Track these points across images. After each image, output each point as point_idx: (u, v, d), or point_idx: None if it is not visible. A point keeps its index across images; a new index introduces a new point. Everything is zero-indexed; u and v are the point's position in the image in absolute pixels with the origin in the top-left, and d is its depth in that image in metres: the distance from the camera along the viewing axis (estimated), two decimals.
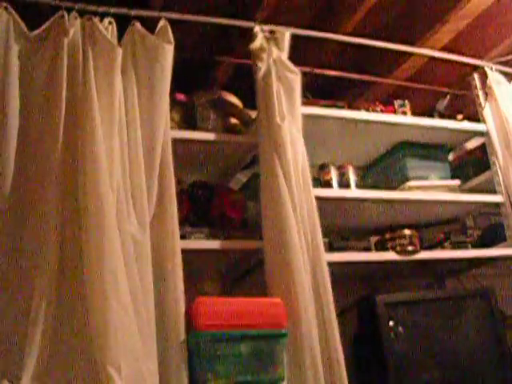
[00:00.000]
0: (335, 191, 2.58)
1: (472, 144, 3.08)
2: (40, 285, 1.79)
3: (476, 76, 3.04)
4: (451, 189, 2.84)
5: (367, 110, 2.78)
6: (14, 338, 1.76)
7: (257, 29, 2.48)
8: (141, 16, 2.26)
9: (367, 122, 2.69)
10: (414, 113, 2.89)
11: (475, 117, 2.98)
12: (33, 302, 1.77)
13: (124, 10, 2.25)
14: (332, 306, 2.15)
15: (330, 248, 2.46)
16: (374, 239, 2.66)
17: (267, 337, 1.99)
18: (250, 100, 2.51)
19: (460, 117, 2.98)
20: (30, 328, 1.74)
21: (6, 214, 1.88)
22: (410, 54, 2.99)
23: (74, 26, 2.10)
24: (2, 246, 1.85)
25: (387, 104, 2.88)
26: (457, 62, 3.02)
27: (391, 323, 2.41)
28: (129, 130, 2.06)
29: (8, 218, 1.88)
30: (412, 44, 2.93)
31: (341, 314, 2.28)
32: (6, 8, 2.06)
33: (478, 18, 2.81)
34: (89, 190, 1.86)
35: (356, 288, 2.82)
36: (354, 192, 2.62)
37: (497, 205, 2.82)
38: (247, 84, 2.47)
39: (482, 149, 2.97)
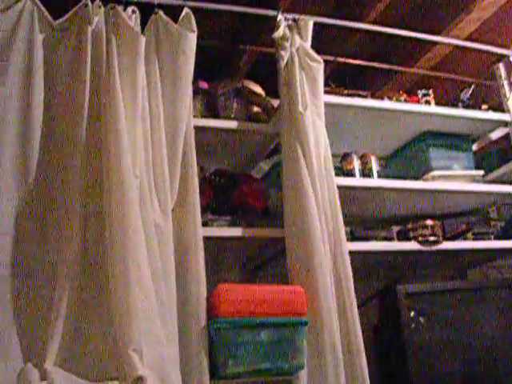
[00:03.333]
0: (357, 180, 2.57)
1: (496, 134, 3.05)
2: (63, 271, 1.81)
3: (501, 66, 3.01)
4: (474, 179, 2.82)
5: (391, 99, 2.77)
6: (37, 323, 1.78)
7: (280, 17, 2.47)
8: (164, 4, 2.26)
9: (390, 111, 2.68)
10: (438, 103, 2.87)
11: (500, 107, 2.95)
12: (56, 288, 1.79)
13: None
14: (353, 296, 2.15)
15: (352, 237, 2.46)
16: (396, 229, 2.65)
17: (288, 325, 2.00)
18: (272, 88, 2.51)
19: (484, 107, 2.95)
20: (53, 313, 1.76)
21: (32, 203, 1.90)
22: (434, 43, 2.96)
23: (98, 15, 2.11)
24: (28, 234, 1.87)
25: (411, 94, 2.86)
26: (481, 52, 2.99)
27: (412, 314, 2.41)
28: (152, 119, 2.07)
29: (33, 207, 1.90)
30: (436, 33, 2.90)
31: (362, 304, 2.28)
32: None
33: (503, 7, 2.78)
34: (112, 178, 1.87)
35: (377, 278, 2.82)
36: (376, 181, 2.61)
37: None
38: (270, 72, 2.47)
39: (507, 139, 2.94)
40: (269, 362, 1.94)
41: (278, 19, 2.47)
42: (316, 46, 2.48)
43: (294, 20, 2.50)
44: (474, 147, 3.06)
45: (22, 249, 1.84)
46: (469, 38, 2.96)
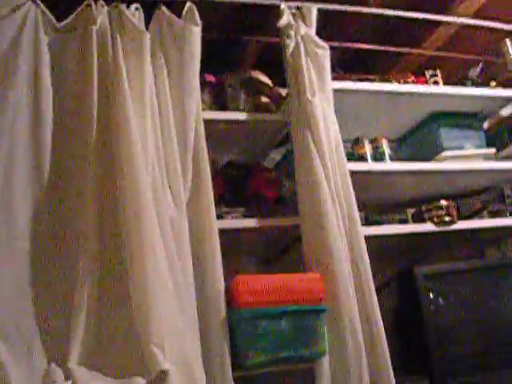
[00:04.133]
0: (370, 165, 2.56)
1: (507, 111, 3.02)
2: (82, 270, 1.83)
3: (508, 41, 2.97)
4: (487, 157, 2.80)
5: (399, 81, 2.76)
6: (59, 324, 1.80)
7: (283, 6, 2.47)
8: (167, 0, 2.27)
9: (399, 93, 2.66)
10: (447, 82, 2.85)
11: (509, 83, 2.93)
12: (76, 288, 1.81)
13: None
14: (371, 280, 2.16)
15: (366, 222, 2.46)
16: (410, 211, 2.65)
17: (307, 312, 2.01)
18: (280, 78, 2.50)
19: (493, 84, 2.93)
20: (74, 312, 1.78)
21: (48, 203, 1.92)
22: (440, 23, 2.94)
23: (102, 14, 2.11)
24: (44, 235, 1.89)
25: (419, 75, 2.85)
26: (488, 29, 2.96)
27: (431, 295, 2.41)
28: (161, 114, 2.08)
29: (48, 208, 1.92)
30: (441, 13, 2.88)
31: (380, 288, 2.28)
32: (33, 0, 2.08)
33: None
34: (125, 174, 1.89)
35: (395, 262, 2.81)
36: (388, 165, 2.60)
37: None
38: (277, 62, 2.46)
39: None
40: (290, 351, 1.95)
41: (281, 8, 2.46)
42: (321, 33, 2.48)
43: (298, 8, 2.50)
44: (485, 125, 3.03)
45: (39, 251, 1.86)
46: (474, 16, 2.93)
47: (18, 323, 1.75)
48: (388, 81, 2.75)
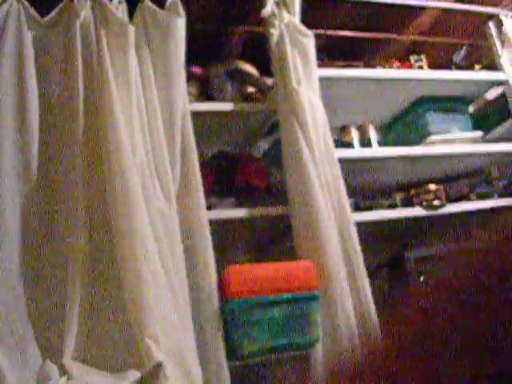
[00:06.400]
0: (357, 151, 2.57)
1: (492, 94, 3.04)
2: (73, 266, 1.83)
3: (491, 24, 2.98)
4: (474, 140, 2.81)
5: (384, 67, 2.76)
6: (52, 321, 1.80)
7: None
8: None
9: (385, 79, 2.67)
10: (432, 66, 2.86)
11: (494, 66, 2.94)
12: (67, 284, 1.81)
13: None
14: (362, 266, 2.17)
15: (356, 208, 2.46)
16: (399, 196, 2.66)
17: (300, 300, 2.02)
18: (266, 67, 2.50)
19: (478, 67, 2.94)
20: (67, 309, 1.78)
21: (36, 199, 1.91)
22: (423, 8, 2.94)
23: (85, 9, 2.11)
24: (34, 231, 1.88)
25: (404, 60, 2.85)
26: (471, 12, 2.97)
27: (422, 278, 2.42)
28: (147, 107, 2.08)
29: (37, 204, 1.91)
30: None
31: (372, 274, 2.29)
32: None
33: None
34: (113, 170, 1.88)
35: (386, 247, 2.82)
36: (376, 150, 2.61)
37: None
38: (262, 52, 2.46)
39: (503, 98, 2.93)
40: (284, 338, 1.96)
41: None
42: (305, 20, 2.47)
43: None
44: (471, 109, 3.05)
45: (28, 246, 1.86)
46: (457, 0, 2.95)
47: (10, 322, 1.74)
48: (373, 67, 2.75)
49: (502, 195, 2.75)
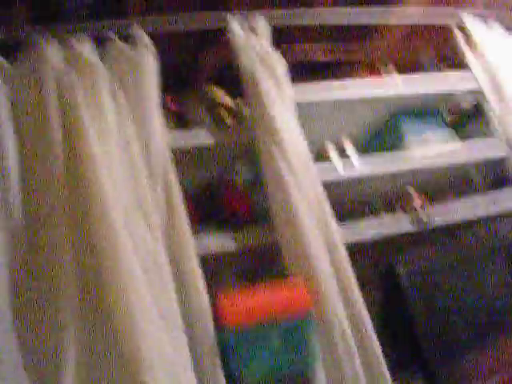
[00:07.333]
0: (339, 172, 2.54)
1: (466, 102, 3.04)
2: (63, 307, 1.81)
3: (456, 27, 2.99)
4: (452, 148, 2.81)
5: (354, 79, 2.77)
6: (46, 371, 1.77)
7: (231, 19, 2.48)
8: (118, 29, 2.26)
9: (358, 100, 2.69)
10: (402, 71, 2.89)
11: (462, 68, 2.95)
12: (59, 327, 1.79)
13: (102, 24, 2.26)
14: (354, 284, 2.16)
15: (342, 225, 2.46)
16: (384, 209, 2.66)
17: (298, 325, 2.01)
18: (240, 91, 2.50)
19: (446, 71, 2.96)
20: (61, 356, 1.76)
21: (19, 238, 1.89)
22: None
23: (53, 51, 2.11)
24: (20, 269, 1.86)
25: (374, 73, 2.87)
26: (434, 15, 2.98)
27: (414, 290, 2.42)
28: (126, 145, 2.07)
29: (21, 242, 1.89)
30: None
31: (364, 286, 2.29)
32: None
33: None
34: (96, 213, 1.87)
35: (373, 257, 2.82)
36: (356, 170, 2.58)
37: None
38: (236, 77, 2.46)
39: (477, 106, 2.95)
40: (284, 366, 1.95)
41: (230, 23, 2.47)
42: (274, 44, 2.49)
43: (246, 19, 2.51)
44: (447, 117, 3.06)
45: (17, 281, 1.83)
46: (420, 3, 2.96)
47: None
48: (342, 77, 2.75)
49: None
